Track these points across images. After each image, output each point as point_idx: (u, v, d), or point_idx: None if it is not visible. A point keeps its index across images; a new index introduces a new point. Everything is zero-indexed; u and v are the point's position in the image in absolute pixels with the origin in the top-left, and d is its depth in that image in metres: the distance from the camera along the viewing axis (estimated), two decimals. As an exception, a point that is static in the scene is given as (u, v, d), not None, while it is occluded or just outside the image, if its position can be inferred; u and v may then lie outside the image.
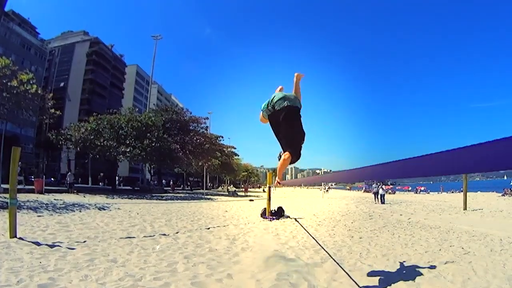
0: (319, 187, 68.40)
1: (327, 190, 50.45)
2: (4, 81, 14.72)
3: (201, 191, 41.72)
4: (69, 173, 25.23)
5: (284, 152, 3.25)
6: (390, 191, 49.40)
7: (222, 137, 50.35)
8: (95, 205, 14.55)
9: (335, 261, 5.31)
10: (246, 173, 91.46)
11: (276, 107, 3.37)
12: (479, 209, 16.30)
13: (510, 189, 33.63)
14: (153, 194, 28.27)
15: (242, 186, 66.73)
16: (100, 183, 42.49)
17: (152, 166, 42.23)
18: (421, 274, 4.58)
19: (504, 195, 31.04)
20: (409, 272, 4.68)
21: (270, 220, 10.97)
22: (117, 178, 42.34)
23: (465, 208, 16.09)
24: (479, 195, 33.51)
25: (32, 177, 31.92)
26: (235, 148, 59.42)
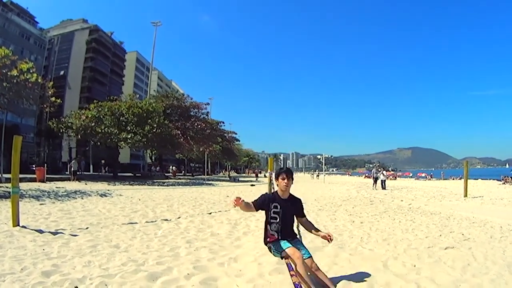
0: (318, 172, 68.81)
1: (318, 176, 51.49)
2: (4, 71, 14.61)
3: (202, 176, 41.80)
4: (73, 160, 25.32)
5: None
6: (391, 177, 49.52)
7: (223, 122, 50.49)
8: (96, 192, 14.66)
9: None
10: (247, 158, 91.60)
11: None
12: (480, 197, 16.25)
13: (510, 177, 33.52)
14: (155, 180, 28.43)
15: (247, 171, 66.56)
16: (103, 170, 42.79)
17: (153, 153, 42.41)
18: (421, 259, 4.61)
19: (504, 183, 30.94)
20: (410, 257, 4.71)
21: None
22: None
23: (465, 195, 16.04)
24: (480, 183, 33.49)
25: (34, 166, 32.09)
26: (236, 134, 59.54)
